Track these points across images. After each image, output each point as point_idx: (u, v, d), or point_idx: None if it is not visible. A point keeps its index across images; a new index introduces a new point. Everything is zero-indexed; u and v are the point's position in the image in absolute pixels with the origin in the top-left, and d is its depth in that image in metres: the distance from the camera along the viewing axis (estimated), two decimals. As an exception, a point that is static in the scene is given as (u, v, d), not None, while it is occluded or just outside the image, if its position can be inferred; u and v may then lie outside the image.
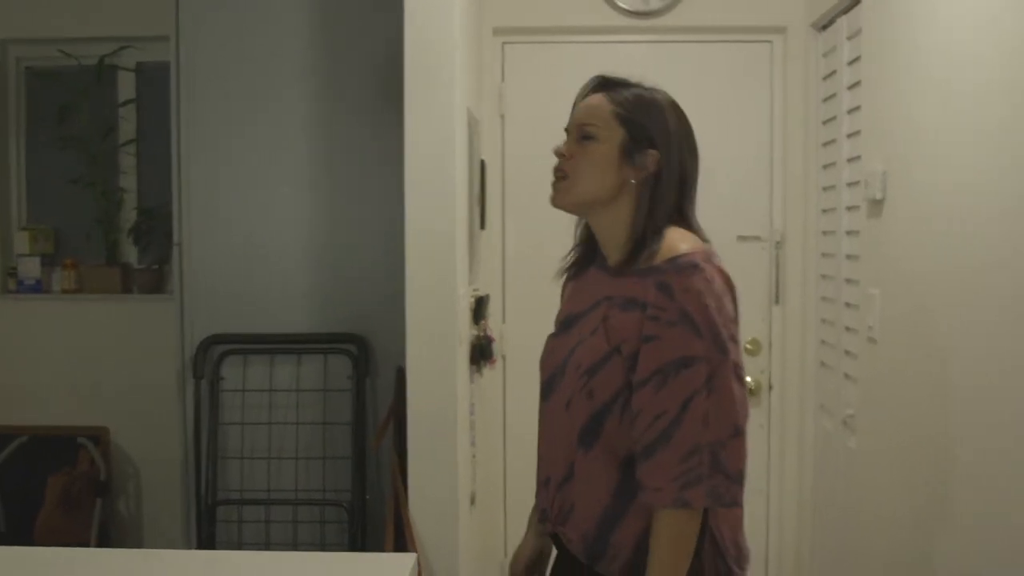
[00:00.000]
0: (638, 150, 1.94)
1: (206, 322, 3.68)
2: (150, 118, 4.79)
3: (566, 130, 2.02)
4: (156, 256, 4.75)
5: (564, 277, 2.16)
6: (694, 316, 1.82)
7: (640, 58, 4.16)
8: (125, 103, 4.74)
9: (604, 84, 2.02)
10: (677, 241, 1.90)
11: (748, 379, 4.13)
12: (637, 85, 2.02)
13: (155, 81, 4.77)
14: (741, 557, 1.94)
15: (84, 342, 4.67)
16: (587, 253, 2.08)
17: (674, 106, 2.00)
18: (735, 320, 1.92)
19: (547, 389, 2.04)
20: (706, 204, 3.55)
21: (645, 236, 1.91)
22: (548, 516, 2.03)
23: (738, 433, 1.84)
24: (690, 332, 1.82)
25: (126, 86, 4.82)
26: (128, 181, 4.79)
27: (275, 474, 3.65)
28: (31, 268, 4.70)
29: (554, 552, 2.15)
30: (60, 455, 4.51)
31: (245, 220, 3.71)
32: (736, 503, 1.85)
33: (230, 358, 3.69)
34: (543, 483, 2.05)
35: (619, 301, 1.91)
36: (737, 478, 1.84)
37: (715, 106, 4.12)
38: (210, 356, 3.64)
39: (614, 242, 1.98)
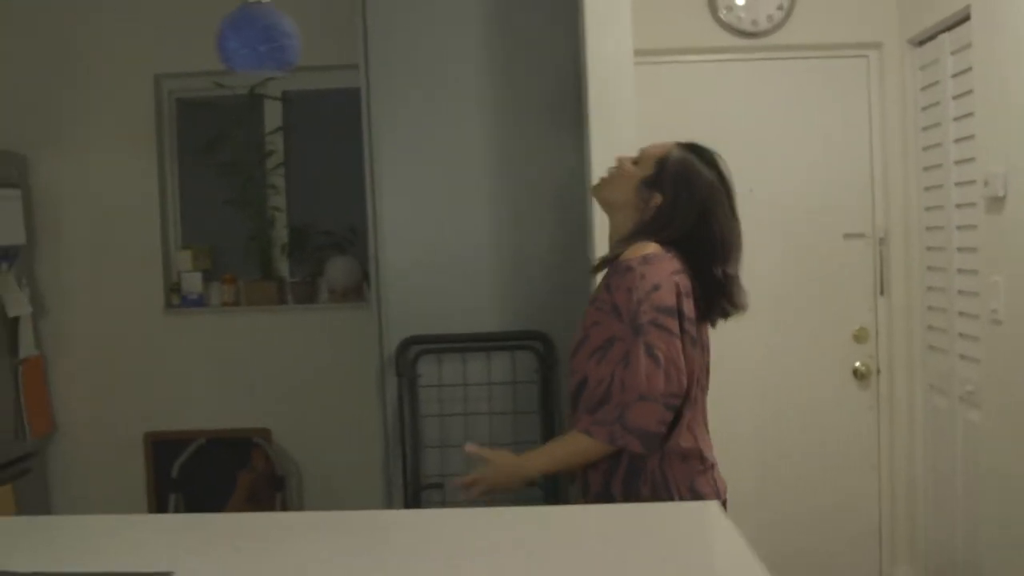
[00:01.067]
0: (652, 187, 2.51)
1: (401, 326, 4.09)
2: (296, 142, 5.20)
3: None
4: (308, 270, 5.15)
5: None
6: (619, 306, 2.40)
7: (747, 76, 4.63)
8: (276, 130, 5.13)
9: (687, 141, 2.60)
10: (634, 249, 2.45)
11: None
12: (697, 145, 2.59)
13: (299, 108, 5.18)
14: (696, 499, 2.45)
15: (244, 351, 5.06)
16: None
17: (712, 168, 2.55)
18: (669, 312, 2.37)
19: None
20: (814, 205, 4.06)
21: (620, 243, 2.52)
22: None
23: (641, 399, 2.32)
24: (615, 318, 2.41)
25: (271, 113, 5.20)
26: (278, 201, 5.18)
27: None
28: (193, 284, 5.10)
29: None
30: (234, 455, 4.91)
31: (433, 231, 4.12)
32: (634, 449, 2.36)
33: (425, 357, 4.11)
34: None
35: (591, 299, 2.54)
36: (634, 432, 2.34)
37: (817, 116, 4.61)
38: (407, 356, 4.06)
39: (611, 244, 2.59)
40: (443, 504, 4.03)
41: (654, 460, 2.43)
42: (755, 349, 4.58)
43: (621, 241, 2.53)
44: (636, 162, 2.54)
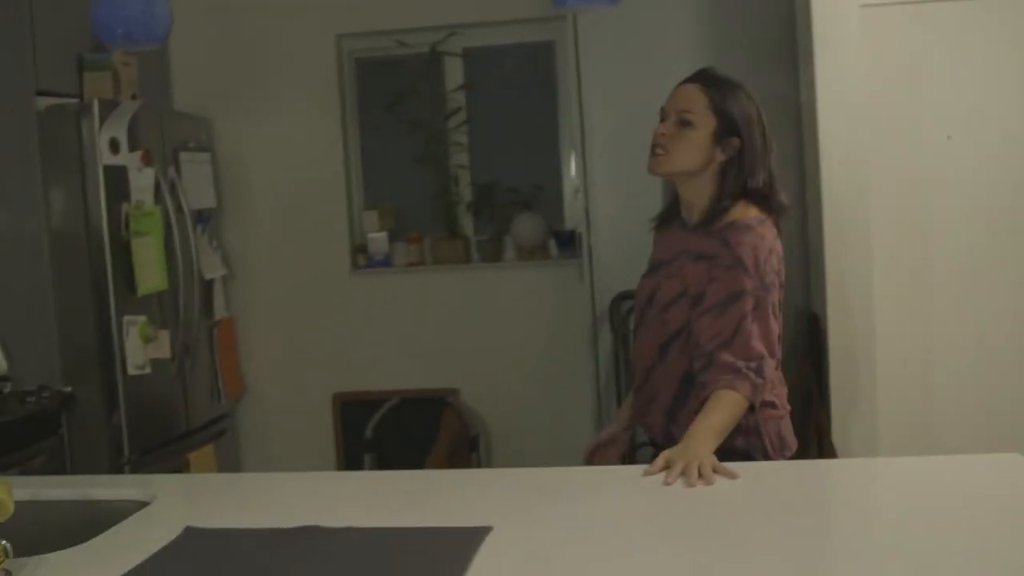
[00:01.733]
0: (725, 136, 2.41)
1: (611, 282, 4.01)
2: (479, 99, 5.13)
3: (663, 109, 2.48)
4: (493, 228, 5.09)
5: (654, 229, 2.68)
6: (745, 260, 2.35)
7: (947, 19, 4.39)
8: (458, 88, 5.07)
9: (702, 76, 2.49)
10: (740, 211, 2.41)
11: None
12: (726, 78, 2.48)
13: (481, 64, 5.12)
14: (784, 447, 2.49)
15: (430, 310, 5.03)
16: (672, 212, 2.59)
17: (752, 98, 2.47)
18: (779, 273, 2.42)
19: (639, 319, 2.58)
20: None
21: (722, 205, 2.42)
22: (637, 413, 2.61)
23: (772, 355, 2.37)
24: (741, 273, 2.34)
25: (453, 71, 5.14)
26: (462, 159, 5.13)
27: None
28: (379, 244, 5.07)
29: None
30: (424, 415, 4.89)
31: (643, 185, 4.01)
32: (753, 401, 2.35)
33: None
34: (636, 389, 2.60)
35: (692, 254, 2.43)
36: (767, 384, 2.36)
37: None
38: (620, 311, 3.98)
39: (697, 207, 2.47)
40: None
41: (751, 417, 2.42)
42: (948, 297, 4.30)
43: (716, 205, 2.45)
44: (686, 122, 2.43)
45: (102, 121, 4.00)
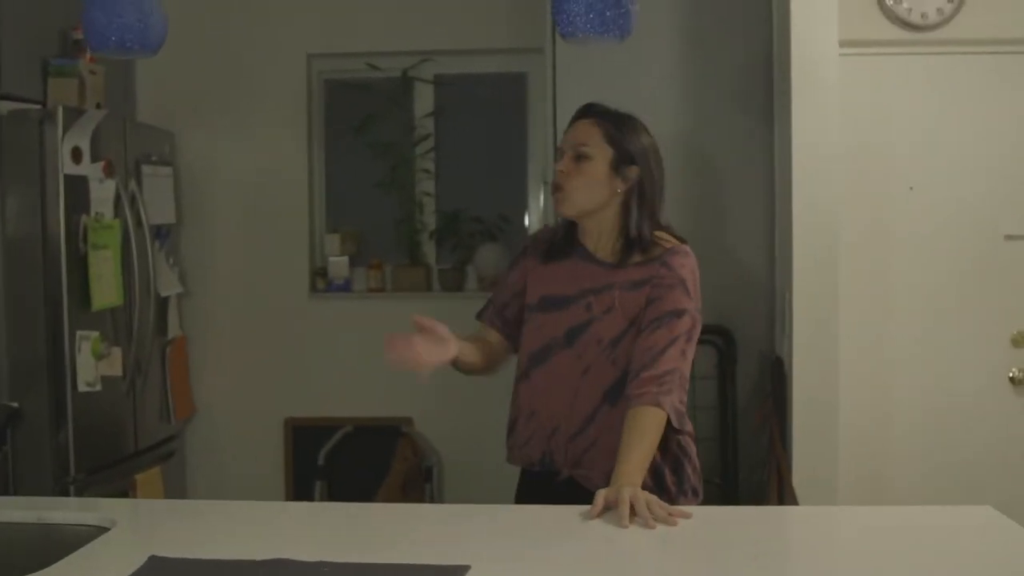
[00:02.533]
0: (622, 166, 2.42)
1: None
2: (447, 127, 5.10)
3: (559, 149, 2.49)
4: (456, 257, 5.04)
5: (526, 256, 2.62)
6: (687, 283, 2.41)
7: (911, 71, 4.40)
8: (428, 115, 5.03)
9: (592, 109, 2.50)
10: (665, 240, 2.45)
11: None
12: (616, 111, 2.50)
13: (451, 92, 5.09)
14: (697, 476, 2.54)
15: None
16: (566, 244, 2.52)
17: (645, 127, 2.51)
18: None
19: (543, 356, 2.50)
20: (976, 205, 3.78)
21: (639, 236, 2.43)
22: (553, 461, 2.49)
23: (688, 376, 2.39)
24: (683, 293, 2.39)
25: (423, 97, 5.10)
26: (428, 186, 5.08)
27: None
28: (340, 269, 5.00)
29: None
30: (377, 444, 4.81)
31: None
32: (685, 427, 2.45)
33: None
34: (548, 433, 2.49)
35: (627, 285, 2.42)
36: (681, 406, 2.39)
37: (985, 115, 4.29)
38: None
39: (604, 240, 2.47)
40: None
41: (690, 443, 2.51)
42: (909, 347, 4.33)
43: (631, 236, 2.46)
44: (582, 157, 2.43)
45: (66, 129, 3.90)
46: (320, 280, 5.03)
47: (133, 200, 4.33)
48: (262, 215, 5.01)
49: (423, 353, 2.46)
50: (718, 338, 3.93)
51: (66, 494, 3.89)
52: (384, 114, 5.01)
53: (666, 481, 2.45)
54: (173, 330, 4.77)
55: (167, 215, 4.70)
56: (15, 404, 3.83)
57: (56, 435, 3.95)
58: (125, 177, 4.32)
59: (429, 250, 5.06)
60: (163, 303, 4.66)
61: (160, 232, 4.62)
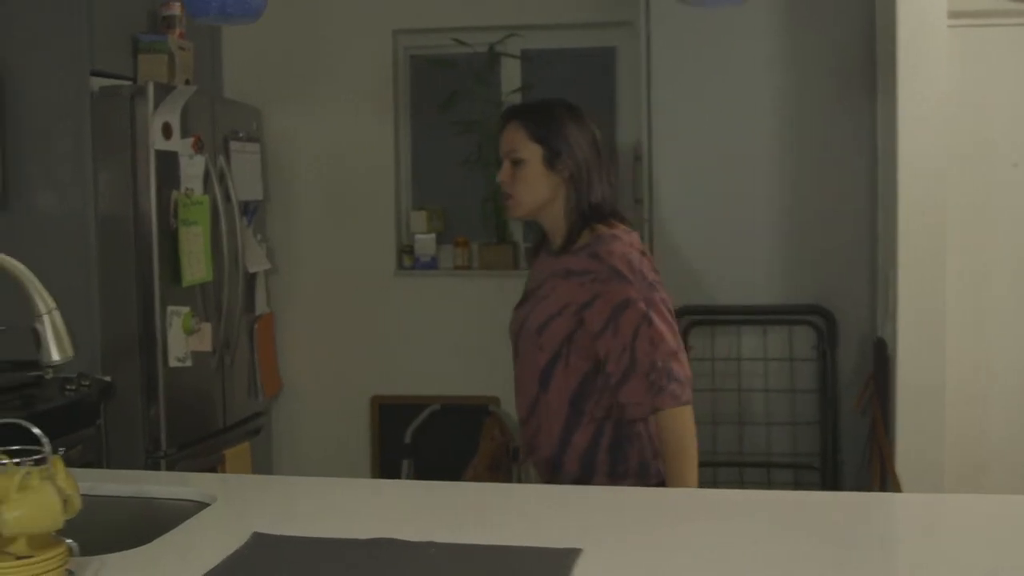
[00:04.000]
0: (554, 160, 2.45)
1: (673, 295, 3.87)
2: (534, 103, 5.01)
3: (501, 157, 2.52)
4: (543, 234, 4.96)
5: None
6: (621, 269, 2.37)
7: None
8: (517, 90, 4.95)
9: (511, 112, 2.57)
10: (599, 226, 2.44)
11: None
12: (538, 102, 2.57)
13: (539, 67, 5.01)
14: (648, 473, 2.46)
15: (476, 316, 4.91)
16: (542, 241, 2.61)
17: (571, 112, 2.50)
18: (656, 272, 2.45)
19: (515, 350, 2.59)
20: None
21: (578, 223, 2.45)
22: (523, 447, 2.57)
23: (679, 348, 2.37)
24: (621, 282, 2.36)
25: (510, 72, 5.03)
26: (516, 163, 5.00)
27: (746, 438, 3.86)
28: (427, 246, 4.96)
29: None
30: (463, 423, 4.76)
31: (709, 197, 3.91)
32: (689, 401, 2.36)
33: (697, 329, 3.89)
34: (520, 421, 2.59)
35: (560, 274, 2.45)
36: (687, 382, 2.36)
37: None
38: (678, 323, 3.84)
39: (558, 232, 2.50)
40: (714, 483, 3.83)
41: (644, 424, 2.44)
42: (1013, 327, 4.16)
43: (571, 224, 2.49)
44: (517, 161, 2.48)
45: (156, 105, 3.89)
46: (407, 257, 5.00)
47: (222, 176, 4.32)
48: (348, 192, 4.98)
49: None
50: (818, 318, 3.83)
51: (157, 468, 3.90)
52: (470, 90, 4.93)
53: (596, 460, 2.45)
54: (261, 307, 4.76)
55: (254, 191, 4.69)
56: (108, 378, 3.83)
57: (147, 410, 3.96)
58: (214, 153, 4.30)
59: (516, 228, 4.99)
60: (251, 279, 4.66)
61: (247, 208, 4.61)
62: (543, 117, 2.50)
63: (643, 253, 2.47)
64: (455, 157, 4.99)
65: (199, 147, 4.12)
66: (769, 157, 3.85)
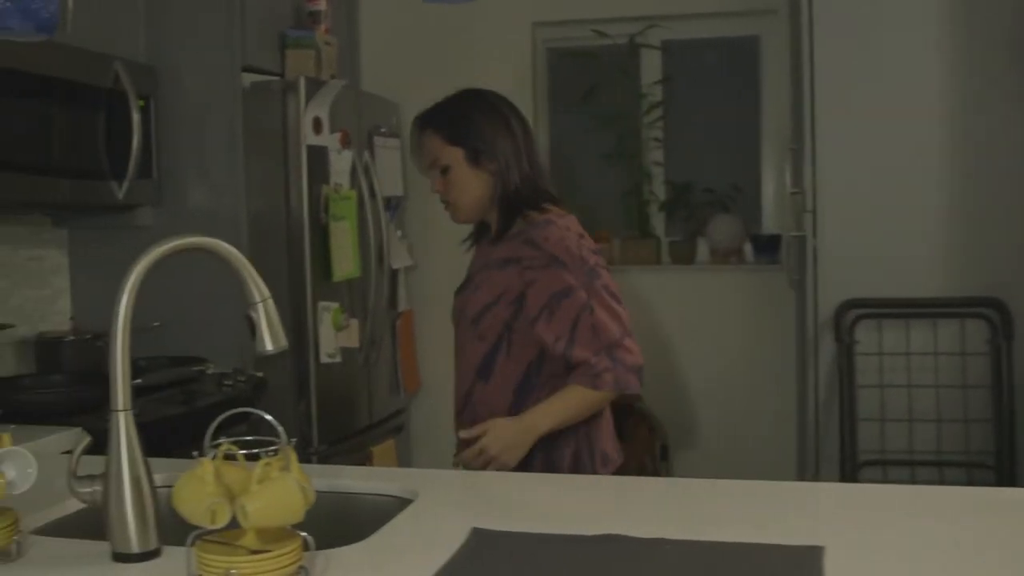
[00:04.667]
0: (475, 157, 2.45)
1: (837, 288, 3.76)
2: (675, 95, 4.91)
3: (425, 171, 2.56)
4: (687, 229, 4.86)
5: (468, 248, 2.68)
6: (559, 255, 2.34)
7: None
8: (659, 82, 4.86)
9: (422, 122, 2.54)
10: (531, 213, 2.42)
11: None
12: (445, 103, 2.53)
13: (681, 58, 4.90)
14: (604, 462, 2.49)
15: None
16: (481, 230, 2.60)
17: (480, 103, 2.51)
18: (597, 253, 2.44)
19: (456, 340, 2.59)
20: None
21: (505, 212, 2.45)
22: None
23: (625, 335, 2.35)
24: (560, 269, 2.32)
25: (651, 64, 4.93)
26: (656, 156, 4.91)
27: (916, 436, 3.71)
28: (568, 241, 4.86)
29: None
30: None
31: (877, 186, 3.77)
32: (635, 390, 2.37)
33: (863, 322, 3.75)
34: (456, 414, 2.59)
35: (495, 264, 2.43)
36: (633, 369, 2.36)
37: None
38: (843, 321, 3.71)
39: (494, 220, 2.50)
40: (884, 482, 3.68)
41: (583, 422, 2.43)
42: None
43: (504, 213, 2.49)
44: (444, 169, 2.50)
45: (307, 100, 3.86)
46: (546, 253, 4.90)
47: (367, 171, 4.29)
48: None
49: None
50: (991, 311, 3.66)
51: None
52: (610, 83, 4.84)
53: (533, 457, 2.43)
54: (402, 303, 4.73)
55: (396, 187, 4.66)
56: (260, 374, 3.81)
57: (298, 406, 3.94)
58: (359, 148, 4.27)
59: (658, 222, 4.89)
60: (394, 276, 4.62)
61: (390, 204, 4.57)
62: (454, 118, 2.49)
63: (581, 235, 2.45)
64: (595, 151, 4.90)
65: (346, 142, 4.09)
66: (938, 143, 3.69)
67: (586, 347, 2.33)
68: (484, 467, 2.38)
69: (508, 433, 2.37)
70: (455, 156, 2.49)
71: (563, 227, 2.41)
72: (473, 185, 2.49)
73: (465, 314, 2.50)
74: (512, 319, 2.42)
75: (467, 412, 2.53)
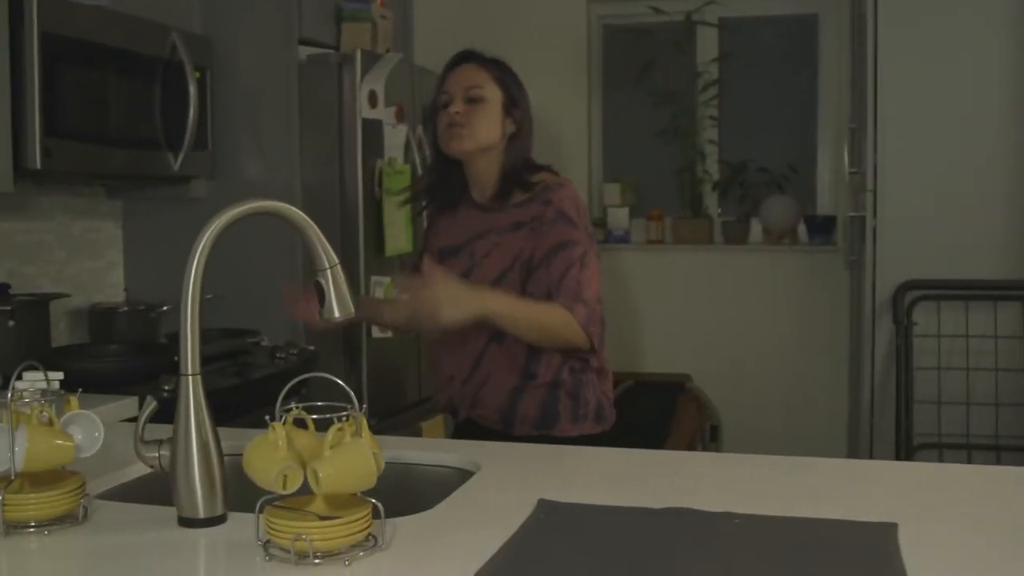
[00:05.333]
0: (512, 108, 2.48)
1: (895, 269, 3.71)
2: (731, 73, 4.86)
3: (444, 94, 2.51)
4: (741, 208, 4.81)
5: (427, 210, 2.70)
6: (568, 212, 2.40)
7: None
8: (714, 59, 4.81)
9: (470, 55, 2.55)
10: (543, 175, 2.47)
11: None
12: (493, 57, 2.54)
13: (738, 35, 4.84)
14: (601, 417, 2.52)
15: (669, 292, 4.78)
16: (451, 194, 2.57)
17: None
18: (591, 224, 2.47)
19: None
20: None
21: (518, 177, 2.45)
22: (457, 407, 2.58)
23: (599, 301, 2.39)
24: (566, 224, 2.38)
25: (707, 41, 4.88)
26: (710, 134, 4.86)
27: (974, 419, 3.66)
28: (620, 219, 4.84)
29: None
30: (659, 400, 4.64)
31: (938, 167, 3.71)
32: (588, 340, 2.37)
33: (922, 303, 3.70)
34: (446, 381, 2.59)
35: (508, 228, 2.44)
36: (598, 326, 2.39)
37: None
38: (903, 302, 3.66)
39: (488, 183, 2.49)
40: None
41: (596, 370, 2.50)
42: None
43: (511, 177, 2.49)
44: (477, 99, 2.47)
45: (363, 73, 3.84)
46: (599, 231, 4.88)
47: (420, 145, 4.26)
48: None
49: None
50: (1029, 293, 3.60)
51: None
52: (665, 60, 4.80)
53: (558, 405, 2.48)
54: (451, 280, 4.69)
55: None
56: (312, 347, 3.81)
57: (349, 380, 3.93)
58: (412, 122, 4.25)
59: (711, 201, 4.85)
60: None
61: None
62: (503, 65, 2.53)
63: (585, 203, 2.54)
64: (649, 128, 4.86)
65: (401, 116, 4.07)
66: (1001, 122, 3.64)
67: (569, 295, 2.37)
68: (422, 310, 2.31)
69: (452, 290, 2.31)
70: (495, 94, 2.49)
71: (572, 189, 2.48)
72: (496, 128, 2.49)
73: (476, 280, 2.49)
74: (525, 282, 2.44)
75: (478, 374, 2.53)
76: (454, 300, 2.28)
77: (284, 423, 1.58)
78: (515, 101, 2.50)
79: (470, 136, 2.49)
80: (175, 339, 1.72)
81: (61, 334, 3.61)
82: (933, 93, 3.70)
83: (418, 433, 4.13)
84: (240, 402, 3.10)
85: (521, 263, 2.44)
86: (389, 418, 4.09)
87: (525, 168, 2.50)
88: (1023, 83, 3.67)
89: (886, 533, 1.63)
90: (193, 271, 1.66)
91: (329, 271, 1.80)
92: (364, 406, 1.61)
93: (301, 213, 1.77)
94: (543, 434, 2.47)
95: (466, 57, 2.56)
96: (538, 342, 2.42)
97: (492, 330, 2.46)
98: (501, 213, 2.49)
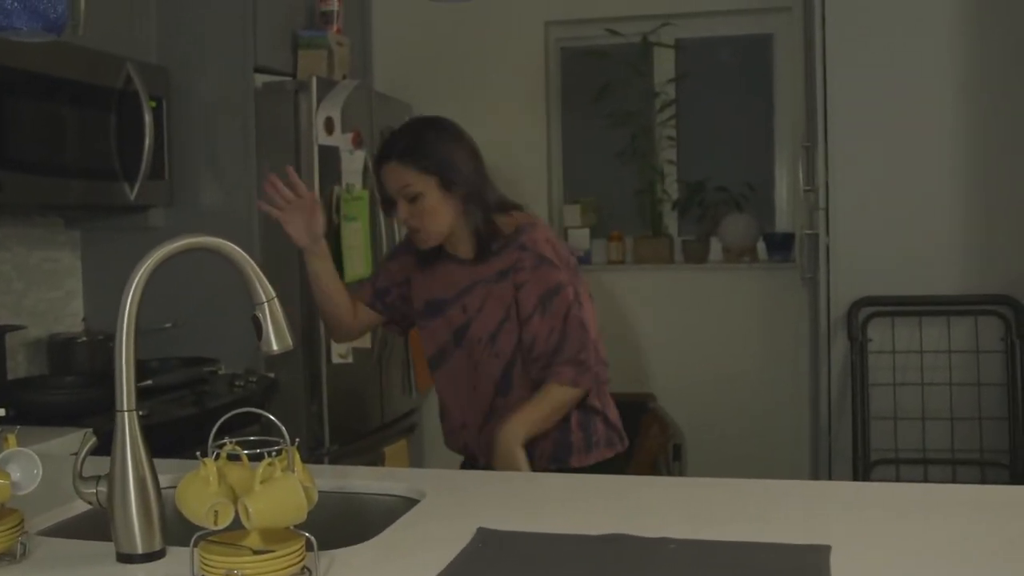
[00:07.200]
0: (449, 184, 2.48)
1: (850, 286, 3.75)
2: (688, 94, 4.90)
3: (386, 199, 2.58)
4: (700, 228, 4.84)
5: (408, 251, 2.69)
6: (545, 254, 2.45)
7: None
8: (671, 80, 4.85)
9: (386, 154, 2.53)
10: (506, 221, 2.51)
11: None
12: (404, 133, 2.56)
13: (694, 56, 4.89)
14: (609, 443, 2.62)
15: (631, 312, 4.81)
16: (432, 250, 2.58)
17: (442, 132, 2.54)
18: (572, 254, 2.57)
19: (439, 359, 2.65)
20: None
21: (491, 226, 2.49)
22: (476, 455, 2.63)
23: (599, 335, 2.51)
24: (549, 268, 2.43)
25: (663, 63, 4.92)
26: (669, 154, 4.90)
27: (929, 434, 3.69)
28: (580, 240, 4.87)
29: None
30: (624, 419, 4.65)
31: (890, 183, 3.76)
32: (605, 379, 2.54)
33: (876, 320, 3.74)
34: (459, 427, 2.66)
35: (492, 278, 2.49)
36: (604, 362, 2.53)
37: None
38: (857, 319, 3.70)
39: (462, 244, 2.54)
40: (896, 481, 3.67)
41: (597, 396, 2.58)
42: None
43: (482, 236, 2.53)
44: (414, 197, 2.49)
45: (319, 100, 3.86)
46: (559, 252, 4.90)
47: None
48: (499, 186, 4.87)
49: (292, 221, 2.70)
50: (1005, 308, 3.65)
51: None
52: (623, 82, 4.84)
53: (571, 437, 2.54)
54: (414, 303, 4.71)
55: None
56: (272, 375, 3.82)
57: (310, 407, 3.94)
58: (371, 148, 4.27)
59: (671, 221, 4.88)
60: (405, 276, 4.61)
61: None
62: (422, 148, 2.50)
63: (558, 236, 2.60)
64: (608, 150, 4.90)
65: (358, 142, 4.09)
66: (952, 141, 3.68)
67: (575, 342, 2.45)
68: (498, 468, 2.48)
69: (501, 455, 2.45)
70: (427, 184, 2.50)
71: (545, 228, 2.53)
72: (444, 210, 2.52)
73: (474, 333, 2.55)
74: (522, 328, 2.50)
75: (487, 427, 2.57)
76: (507, 462, 2.43)
77: (217, 458, 1.58)
78: (449, 177, 2.50)
79: (428, 235, 2.55)
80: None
81: (19, 365, 3.60)
82: (883, 111, 3.74)
83: (381, 458, 4.15)
84: (198, 431, 3.10)
85: (514, 311, 2.49)
86: (351, 444, 4.10)
87: (497, 211, 2.54)
88: (971, 101, 3.70)
89: (819, 556, 1.64)
90: (127, 308, 1.67)
91: (266, 304, 1.81)
92: (297, 440, 1.61)
93: (235, 248, 1.78)
94: (561, 467, 2.52)
95: (385, 156, 2.55)
96: (558, 418, 2.51)
97: (496, 381, 2.56)
98: (482, 264, 2.53)
